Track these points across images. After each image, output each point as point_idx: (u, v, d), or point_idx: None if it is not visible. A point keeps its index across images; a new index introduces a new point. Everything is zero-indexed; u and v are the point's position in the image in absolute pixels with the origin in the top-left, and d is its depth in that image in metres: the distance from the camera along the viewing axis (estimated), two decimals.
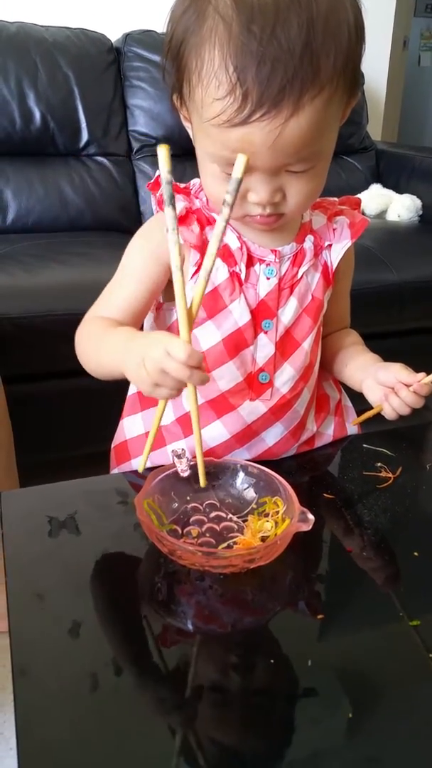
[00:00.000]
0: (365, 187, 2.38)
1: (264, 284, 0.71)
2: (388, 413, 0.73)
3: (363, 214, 0.78)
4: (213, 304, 0.71)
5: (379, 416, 0.76)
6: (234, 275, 0.70)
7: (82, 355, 0.72)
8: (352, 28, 0.55)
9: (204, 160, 0.62)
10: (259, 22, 0.51)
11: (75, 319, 0.72)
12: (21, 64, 1.92)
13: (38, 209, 1.94)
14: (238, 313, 0.71)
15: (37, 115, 1.94)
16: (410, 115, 4.31)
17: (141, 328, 0.76)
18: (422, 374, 0.72)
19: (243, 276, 0.70)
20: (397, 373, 0.72)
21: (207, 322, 0.71)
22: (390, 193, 2.33)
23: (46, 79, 1.94)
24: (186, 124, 0.66)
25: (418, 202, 2.29)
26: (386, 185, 2.39)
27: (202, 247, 0.69)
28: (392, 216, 2.28)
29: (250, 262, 0.71)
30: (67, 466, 0.98)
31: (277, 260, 0.71)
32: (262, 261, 0.71)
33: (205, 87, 0.55)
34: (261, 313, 0.72)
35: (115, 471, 0.84)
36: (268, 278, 0.71)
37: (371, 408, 0.76)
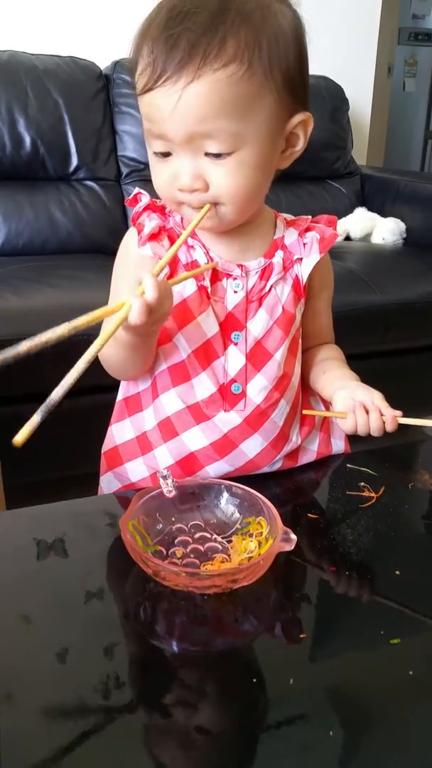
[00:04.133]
0: (350, 210, 2.42)
1: (231, 297, 0.74)
2: (348, 426, 0.73)
3: (348, 238, 0.81)
4: (183, 316, 0.73)
5: (356, 437, 0.77)
6: (202, 289, 0.73)
7: (107, 362, 0.75)
8: (280, 26, 0.62)
9: (148, 150, 0.69)
10: (179, 8, 0.60)
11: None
12: (11, 90, 1.95)
13: (28, 232, 1.96)
14: (206, 325, 0.73)
15: (28, 140, 1.97)
16: (397, 140, 4.39)
17: None
18: (399, 412, 0.73)
19: (210, 290, 0.73)
20: (378, 400, 0.74)
21: (178, 334, 0.74)
22: (375, 217, 2.37)
23: (36, 106, 1.98)
24: None
25: (402, 226, 2.33)
26: (371, 209, 2.43)
27: (171, 262, 0.73)
28: (377, 239, 2.32)
29: (217, 276, 0.73)
30: (52, 489, 0.98)
31: (243, 275, 0.74)
32: (228, 275, 0.74)
33: (138, 70, 0.64)
34: (230, 326, 0.74)
35: (107, 474, 0.85)
36: (236, 291, 0.74)
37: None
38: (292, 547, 0.59)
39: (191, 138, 0.62)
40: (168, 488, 0.67)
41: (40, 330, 0.53)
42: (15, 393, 1.46)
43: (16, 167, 1.99)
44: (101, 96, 2.12)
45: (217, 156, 0.63)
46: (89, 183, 2.09)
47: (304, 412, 0.84)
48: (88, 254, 2.00)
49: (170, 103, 0.60)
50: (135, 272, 0.74)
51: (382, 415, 0.72)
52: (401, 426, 0.74)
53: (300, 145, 0.69)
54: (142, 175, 2.14)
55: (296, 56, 0.64)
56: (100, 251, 2.02)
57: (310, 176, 2.39)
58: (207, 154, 0.63)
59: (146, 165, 2.35)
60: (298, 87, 0.65)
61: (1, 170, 1.97)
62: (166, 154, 0.65)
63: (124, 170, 2.16)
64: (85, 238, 2.03)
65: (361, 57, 2.80)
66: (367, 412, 0.73)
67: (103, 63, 2.18)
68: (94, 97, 2.10)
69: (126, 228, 2.40)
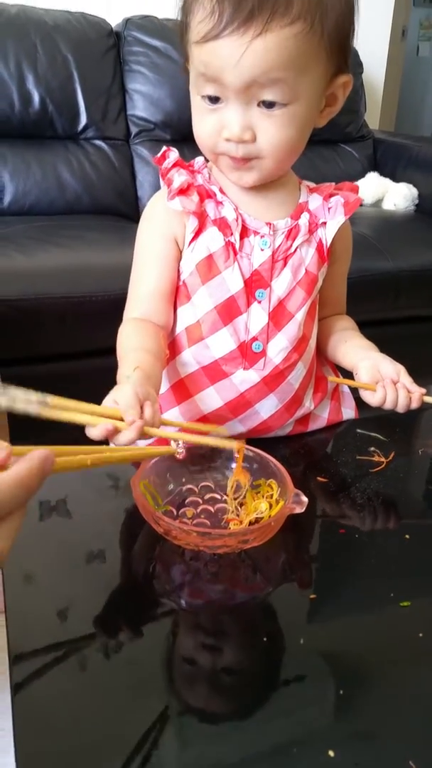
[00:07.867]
0: (362, 175, 2.38)
1: (258, 255, 0.74)
2: (377, 399, 0.74)
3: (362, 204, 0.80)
4: (207, 270, 0.73)
5: (365, 405, 0.77)
6: (229, 244, 0.73)
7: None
8: None
9: (193, 98, 0.67)
10: None
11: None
12: (21, 46, 1.91)
13: (36, 192, 1.93)
14: (231, 281, 0.73)
15: (36, 98, 1.93)
16: (408, 105, 4.30)
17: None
18: (424, 390, 0.75)
19: (237, 246, 0.73)
20: (402, 375, 0.75)
21: (201, 288, 0.74)
22: (387, 182, 2.33)
23: (46, 62, 1.93)
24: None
25: (415, 191, 2.29)
26: (383, 174, 2.39)
27: (200, 215, 0.72)
28: (388, 205, 2.28)
29: (245, 233, 0.73)
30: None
31: (271, 233, 0.74)
32: (256, 233, 0.73)
33: (194, 15, 0.62)
34: (254, 283, 0.74)
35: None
36: (262, 249, 0.74)
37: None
38: (303, 509, 0.59)
39: (249, 86, 0.62)
40: (178, 449, 0.66)
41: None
42: (27, 354, 1.46)
43: (25, 125, 1.95)
44: (111, 54, 2.07)
45: (271, 106, 0.63)
46: (98, 142, 2.06)
47: (331, 379, 0.85)
48: (95, 215, 1.97)
49: (235, 53, 0.60)
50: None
51: (408, 392, 0.74)
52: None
53: (338, 106, 0.70)
54: (151, 135, 2.10)
55: (349, 19, 0.65)
56: (108, 212, 2.00)
57: (322, 139, 2.34)
58: (260, 104, 0.63)
59: (156, 125, 2.30)
60: (346, 49, 0.65)
61: (10, 128, 1.94)
62: (215, 99, 0.64)
63: (134, 130, 2.12)
64: (92, 198, 2.00)
65: (376, 17, 2.72)
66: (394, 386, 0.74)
67: (114, 20, 2.13)
68: (104, 54, 2.05)
69: (134, 189, 2.37)
